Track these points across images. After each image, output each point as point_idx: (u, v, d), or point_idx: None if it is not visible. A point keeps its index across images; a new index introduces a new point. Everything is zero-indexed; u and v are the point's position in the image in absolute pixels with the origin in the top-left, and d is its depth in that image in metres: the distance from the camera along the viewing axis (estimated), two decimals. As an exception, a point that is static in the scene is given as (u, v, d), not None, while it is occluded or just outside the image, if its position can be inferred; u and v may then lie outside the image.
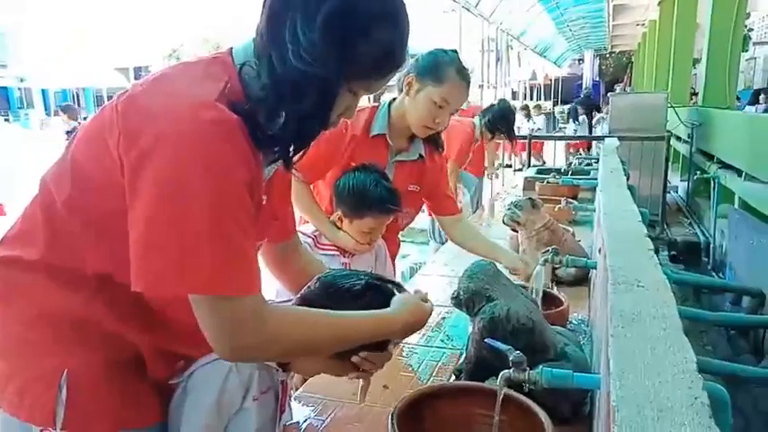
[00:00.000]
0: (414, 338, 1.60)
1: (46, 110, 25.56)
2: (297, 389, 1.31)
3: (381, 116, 1.80)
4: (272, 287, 1.73)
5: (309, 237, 1.73)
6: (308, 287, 1.03)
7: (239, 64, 0.84)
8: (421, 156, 1.87)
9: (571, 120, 10.96)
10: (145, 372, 0.89)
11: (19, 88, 28.71)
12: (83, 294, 0.84)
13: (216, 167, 0.74)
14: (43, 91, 28.12)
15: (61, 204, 0.83)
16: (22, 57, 27.19)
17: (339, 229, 1.72)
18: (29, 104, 27.70)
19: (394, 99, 1.84)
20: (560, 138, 9.56)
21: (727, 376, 2.24)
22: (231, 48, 0.88)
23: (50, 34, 27.70)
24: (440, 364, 1.46)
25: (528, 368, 0.97)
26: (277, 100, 0.82)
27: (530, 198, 2.10)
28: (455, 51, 1.79)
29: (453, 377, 1.33)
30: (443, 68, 1.70)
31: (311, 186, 1.84)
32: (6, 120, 24.61)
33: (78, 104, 26.63)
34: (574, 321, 1.69)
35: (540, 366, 0.94)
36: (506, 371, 0.94)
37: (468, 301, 1.20)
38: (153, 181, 0.73)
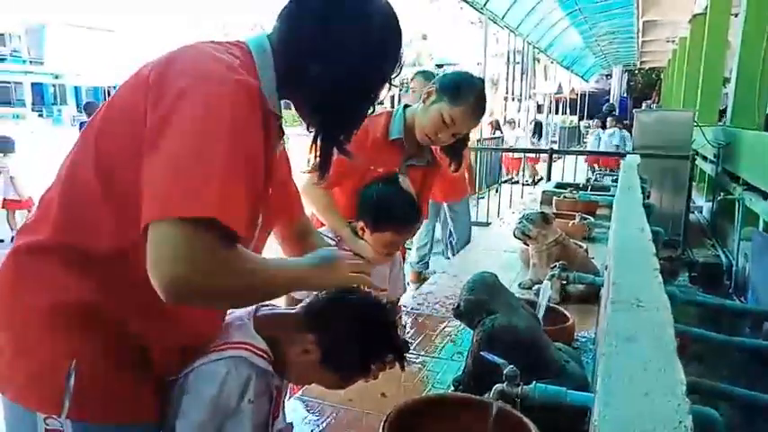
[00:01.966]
0: (417, 349, 1.60)
1: (78, 106, 26.25)
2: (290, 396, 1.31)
3: (398, 121, 1.84)
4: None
5: (332, 240, 1.75)
6: (317, 296, 1.05)
7: (253, 47, 0.93)
8: (428, 161, 1.90)
9: (536, 135, 10.62)
10: (148, 366, 0.90)
11: (53, 85, 29.50)
12: (94, 279, 0.85)
13: (239, 119, 0.80)
14: (76, 88, 28.85)
15: (80, 181, 0.85)
16: (58, 54, 27.95)
17: (360, 238, 1.73)
18: (62, 101, 28.43)
19: (407, 105, 1.86)
20: (580, 152, 9.46)
21: (744, 404, 2.18)
22: (238, 41, 0.95)
23: (84, 33, 28.42)
24: (439, 374, 1.46)
25: (523, 383, 0.96)
26: (328, 96, 0.93)
27: (542, 212, 2.09)
28: (482, 80, 1.84)
29: (452, 388, 1.32)
30: (464, 91, 1.74)
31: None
32: (40, 115, 25.30)
33: (109, 102, 27.24)
34: (581, 338, 1.67)
35: (534, 382, 0.93)
36: (499, 385, 0.94)
37: (468, 313, 1.20)
38: (178, 122, 0.77)
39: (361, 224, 1.71)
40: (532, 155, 8.71)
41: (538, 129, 10.53)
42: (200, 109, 0.78)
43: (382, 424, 0.97)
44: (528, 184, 7.92)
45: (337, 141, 1.00)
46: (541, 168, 6.90)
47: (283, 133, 1.00)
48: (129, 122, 0.82)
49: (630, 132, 10.57)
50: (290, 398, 1.27)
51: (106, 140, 0.85)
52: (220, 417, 0.93)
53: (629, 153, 5.05)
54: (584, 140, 12.64)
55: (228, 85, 0.81)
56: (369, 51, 0.93)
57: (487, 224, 5.19)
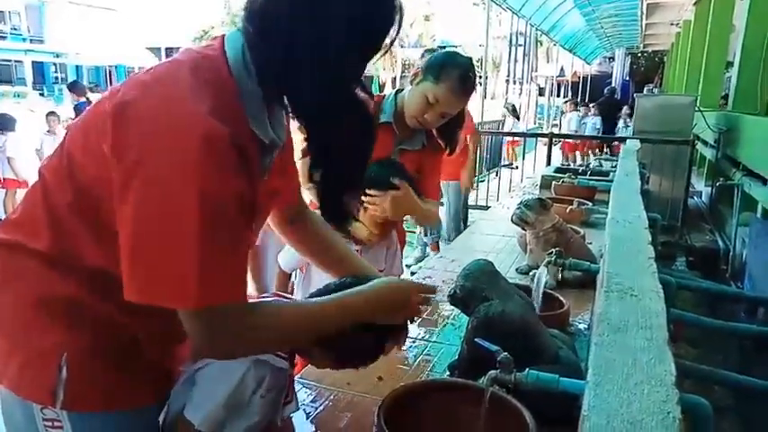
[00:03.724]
0: (414, 332, 1.61)
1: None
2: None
3: (388, 105, 1.83)
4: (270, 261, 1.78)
5: None
6: (327, 285, 1.06)
7: (231, 59, 0.84)
8: (423, 145, 1.89)
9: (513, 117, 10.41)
10: (141, 354, 0.91)
11: (54, 64, 29.26)
12: (80, 282, 0.86)
13: (205, 181, 0.74)
14: (77, 67, 28.62)
15: (60, 200, 0.85)
16: (59, 33, 27.67)
17: (355, 219, 1.73)
18: (63, 80, 28.20)
19: (400, 89, 1.85)
20: (580, 137, 9.46)
21: (737, 388, 2.20)
22: (223, 37, 0.88)
23: (85, 11, 28.10)
24: (436, 358, 1.47)
25: (516, 370, 0.98)
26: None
27: (539, 198, 2.10)
28: (469, 59, 1.80)
29: (447, 373, 1.34)
30: (447, 70, 1.70)
31: None
32: (41, 94, 25.13)
33: (110, 81, 27.07)
34: (576, 324, 1.68)
35: (527, 369, 0.94)
36: (493, 371, 0.95)
37: (463, 299, 1.21)
38: (142, 193, 0.74)
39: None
40: (510, 138, 8.72)
41: (512, 111, 10.27)
42: (164, 175, 0.74)
43: (378, 408, 0.98)
44: (506, 166, 7.91)
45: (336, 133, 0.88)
46: (541, 151, 6.85)
47: (273, 149, 0.93)
48: (94, 163, 0.80)
49: (590, 113, 10.53)
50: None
51: (78, 174, 0.83)
52: (231, 411, 0.94)
53: (630, 138, 5.04)
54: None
55: (191, 146, 0.74)
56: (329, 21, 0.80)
57: (487, 207, 5.20)
